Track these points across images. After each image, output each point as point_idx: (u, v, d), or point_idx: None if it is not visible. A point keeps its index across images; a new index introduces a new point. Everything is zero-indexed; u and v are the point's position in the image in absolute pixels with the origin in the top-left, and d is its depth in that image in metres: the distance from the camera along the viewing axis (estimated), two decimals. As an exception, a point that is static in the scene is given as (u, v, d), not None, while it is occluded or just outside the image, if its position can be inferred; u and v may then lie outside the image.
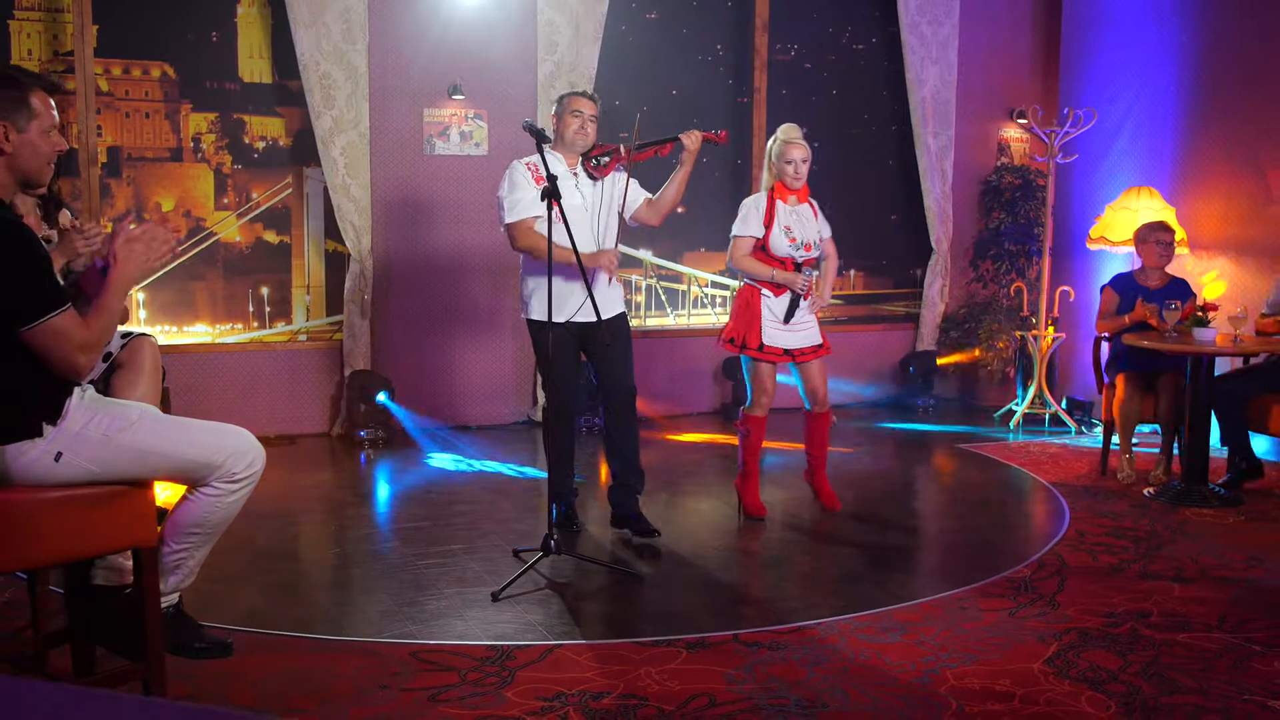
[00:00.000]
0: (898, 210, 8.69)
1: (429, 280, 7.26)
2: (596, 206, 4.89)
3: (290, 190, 7.20)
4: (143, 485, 2.86)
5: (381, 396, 6.81)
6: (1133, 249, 6.98)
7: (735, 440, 5.46)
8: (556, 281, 4.53)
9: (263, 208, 7.14)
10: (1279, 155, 6.70)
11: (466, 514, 5.41)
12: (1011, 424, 7.59)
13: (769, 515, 5.36)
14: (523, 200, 4.77)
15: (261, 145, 7.10)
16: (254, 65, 7.06)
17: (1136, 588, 4.40)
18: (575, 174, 4.90)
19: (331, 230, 7.16)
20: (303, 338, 7.28)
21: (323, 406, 7.15)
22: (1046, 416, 7.62)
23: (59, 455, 2.77)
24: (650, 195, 5.04)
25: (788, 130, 5.19)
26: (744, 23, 8.15)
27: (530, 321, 4.96)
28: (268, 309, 7.20)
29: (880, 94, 8.60)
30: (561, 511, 5.02)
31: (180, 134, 6.89)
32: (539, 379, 7.48)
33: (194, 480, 3.01)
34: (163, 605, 3.04)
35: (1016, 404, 7.80)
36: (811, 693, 3.40)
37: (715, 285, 8.45)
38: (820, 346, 5.26)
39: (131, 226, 2.85)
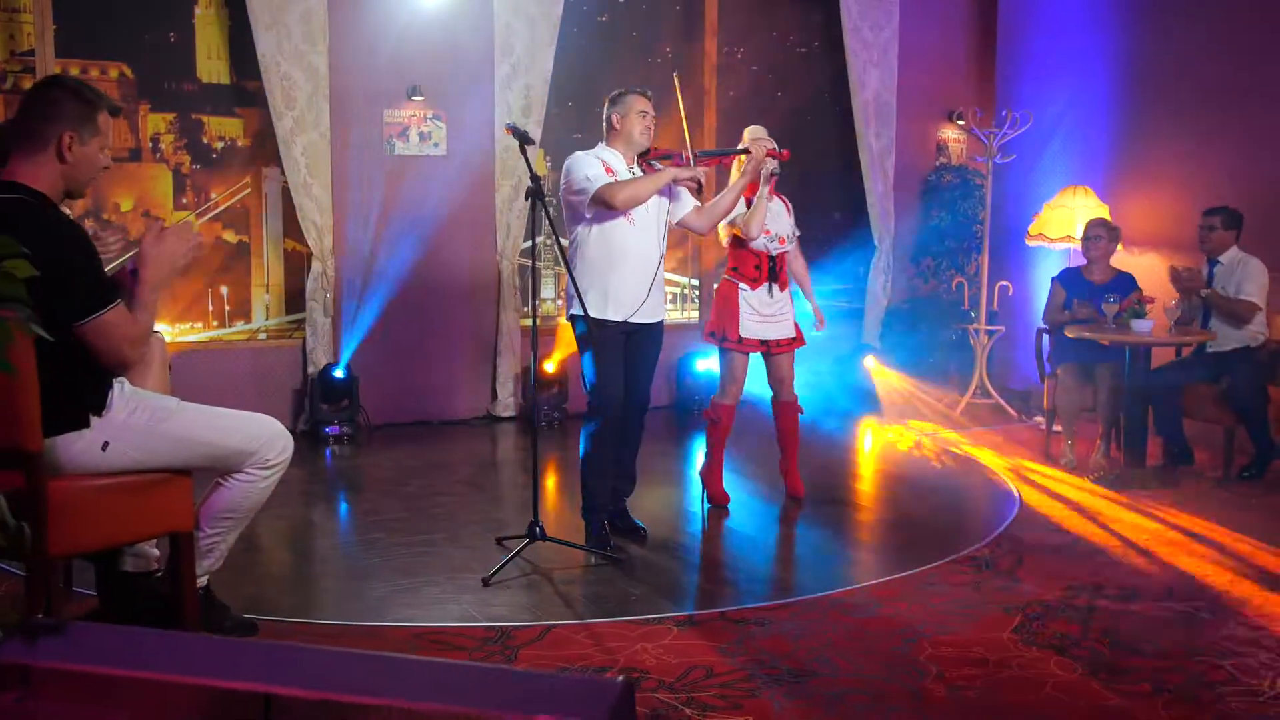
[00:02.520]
0: (840, 208, 8.96)
1: (389, 278, 7.36)
2: (657, 207, 4.85)
3: (249, 190, 7.25)
4: (182, 473, 2.99)
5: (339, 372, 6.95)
6: (1068, 245, 7.36)
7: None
8: (617, 279, 4.70)
9: (221, 207, 7.19)
10: (1207, 155, 7.06)
11: (444, 505, 5.54)
12: (955, 413, 7.89)
13: (733, 501, 5.56)
14: (599, 174, 4.67)
15: (220, 145, 7.15)
16: (212, 66, 7.10)
17: (1088, 563, 4.69)
18: (633, 173, 4.87)
19: (290, 229, 7.24)
20: (263, 336, 7.35)
21: (286, 404, 7.21)
22: (992, 406, 7.95)
23: (106, 444, 2.89)
24: (699, 203, 5.05)
25: (754, 130, 5.38)
26: (692, 26, 8.36)
27: (581, 318, 4.73)
28: (227, 308, 7.25)
29: (823, 96, 8.86)
30: (597, 529, 4.87)
31: (139, 134, 6.91)
32: (497, 372, 7.63)
33: (229, 466, 3.15)
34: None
35: (958, 395, 8.10)
36: (801, 663, 3.61)
37: (666, 282, 8.64)
38: (794, 340, 5.47)
39: (160, 227, 2.99)
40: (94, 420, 2.90)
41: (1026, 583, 4.43)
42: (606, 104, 4.90)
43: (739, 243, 5.34)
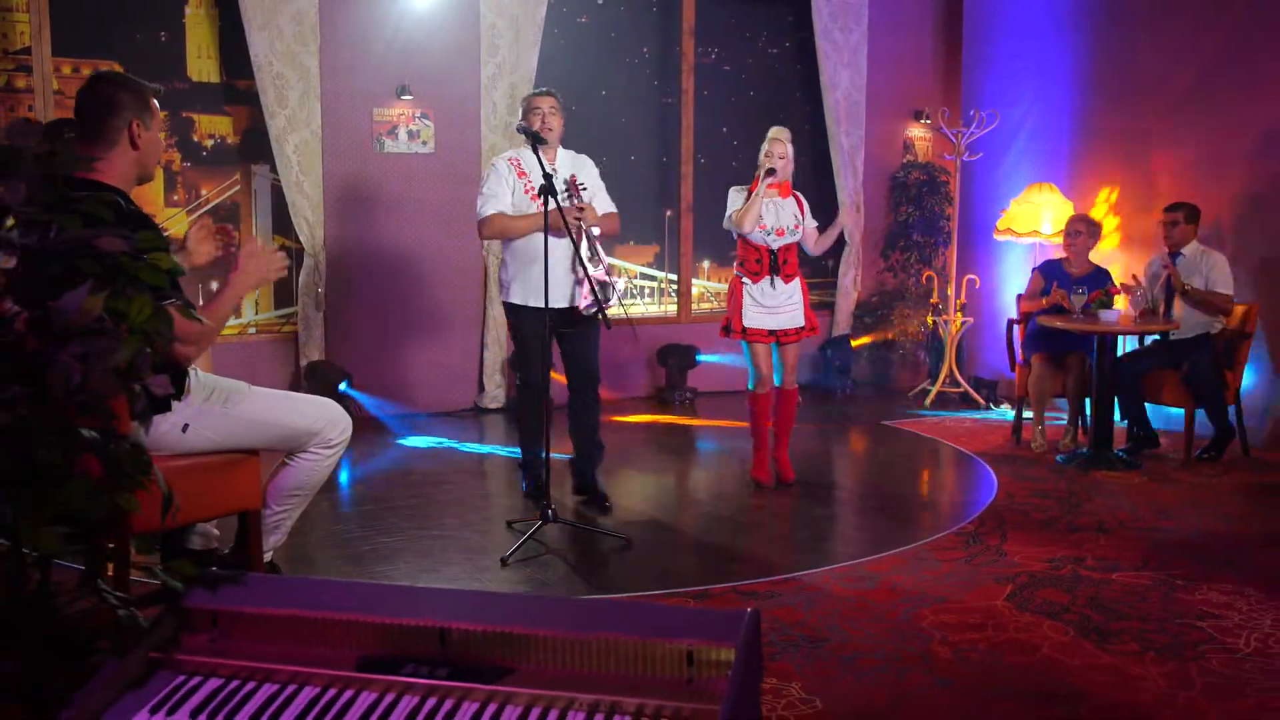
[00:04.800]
0: (812, 204, 9.17)
1: (379, 273, 7.53)
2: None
3: (239, 187, 7.39)
4: (252, 453, 3.18)
5: (343, 385, 7.07)
6: (1034, 239, 7.69)
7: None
8: (538, 271, 5.00)
9: (212, 204, 7.32)
10: (1164, 154, 7.40)
11: (449, 493, 5.74)
12: (926, 402, 8.20)
13: (723, 486, 5.82)
14: (495, 195, 5.16)
15: (210, 143, 7.28)
16: (202, 65, 7.23)
17: (1068, 538, 4.98)
18: (553, 169, 5.11)
19: (279, 225, 7.38)
20: (252, 330, 7.49)
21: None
22: (957, 395, 8.26)
23: (185, 427, 3.07)
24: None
25: (776, 131, 5.71)
26: (669, 28, 8.58)
27: (508, 305, 5.37)
28: (218, 303, 7.38)
29: (794, 95, 9.13)
30: (530, 485, 5.52)
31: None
32: (484, 366, 7.83)
33: (295, 446, 3.34)
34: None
35: (929, 384, 8.41)
36: (813, 630, 3.86)
37: (644, 276, 8.88)
38: (803, 329, 5.73)
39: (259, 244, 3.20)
40: (175, 404, 3.08)
41: (1013, 556, 4.71)
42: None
43: (744, 237, 5.63)
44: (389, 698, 1.58)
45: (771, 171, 5.58)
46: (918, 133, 9.32)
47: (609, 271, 5.25)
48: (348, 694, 1.60)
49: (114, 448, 1.95)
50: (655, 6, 8.56)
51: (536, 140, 4.77)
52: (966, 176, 8.63)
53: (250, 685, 1.63)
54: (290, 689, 1.62)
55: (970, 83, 8.91)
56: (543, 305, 4.93)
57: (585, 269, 4.95)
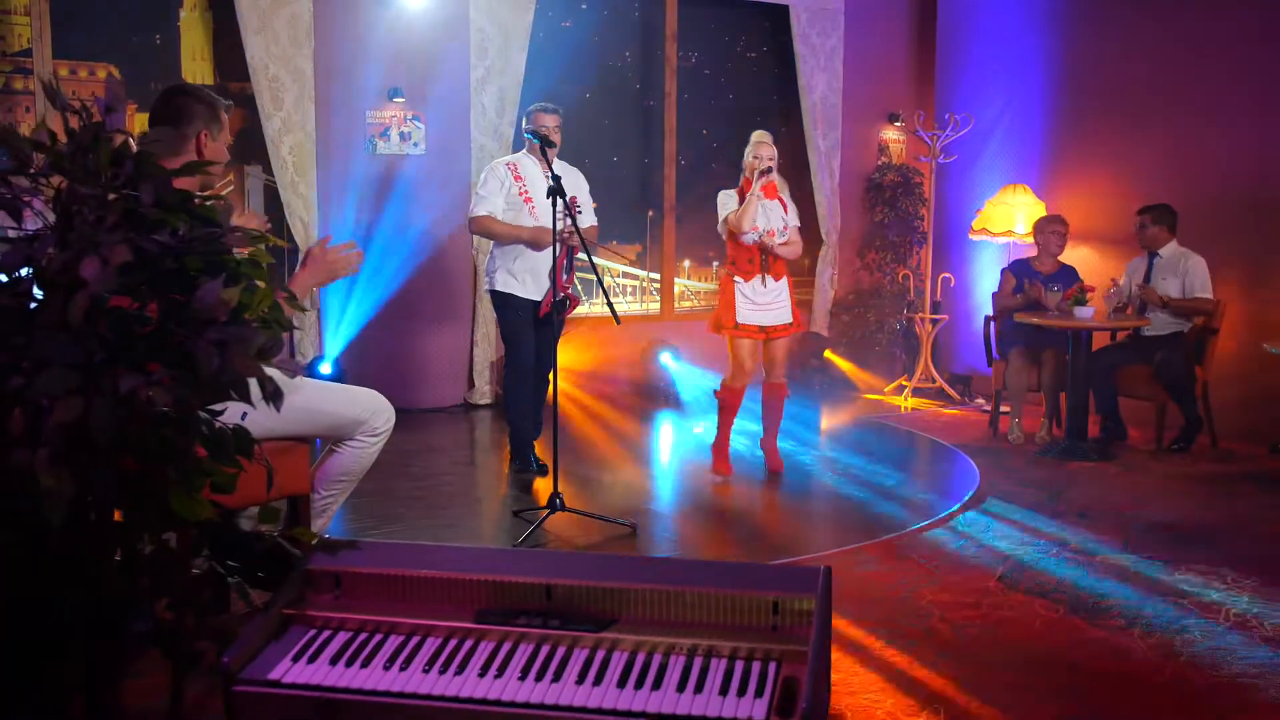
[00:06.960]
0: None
1: (371, 272, 7.66)
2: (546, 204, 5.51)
3: (232, 188, 7.51)
4: (303, 441, 3.34)
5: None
6: (1009, 239, 7.95)
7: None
8: (527, 259, 5.57)
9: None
10: (1136, 155, 7.69)
11: (452, 484, 5.91)
12: (903, 398, 8.44)
13: (717, 477, 6.02)
14: (486, 198, 5.67)
15: (204, 144, 7.39)
16: (196, 67, 7.35)
17: (1051, 524, 5.23)
18: (546, 176, 5.41)
19: (272, 226, 7.49)
20: (246, 329, 7.60)
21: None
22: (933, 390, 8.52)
23: (244, 415, 3.21)
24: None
25: (760, 135, 5.89)
26: (651, 32, 8.78)
27: (493, 293, 5.82)
28: (211, 302, 7.49)
29: (772, 98, 9.36)
30: (519, 464, 5.97)
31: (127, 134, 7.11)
32: (474, 362, 8.00)
33: (342, 435, 3.51)
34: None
35: (906, 380, 8.66)
36: (820, 609, 4.07)
37: (626, 275, 9.08)
38: (790, 325, 5.92)
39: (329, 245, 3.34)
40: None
41: (1000, 540, 4.95)
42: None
43: (734, 237, 5.81)
44: (507, 645, 1.77)
45: (768, 171, 5.76)
46: (892, 135, 9.57)
47: (576, 287, 5.73)
48: (469, 643, 1.79)
49: (220, 428, 2.12)
50: (637, 11, 8.75)
51: (547, 144, 4.97)
52: (941, 178, 8.89)
53: (378, 636, 1.81)
54: (415, 639, 1.80)
55: (944, 86, 9.17)
56: (526, 295, 5.65)
57: (562, 278, 5.46)
